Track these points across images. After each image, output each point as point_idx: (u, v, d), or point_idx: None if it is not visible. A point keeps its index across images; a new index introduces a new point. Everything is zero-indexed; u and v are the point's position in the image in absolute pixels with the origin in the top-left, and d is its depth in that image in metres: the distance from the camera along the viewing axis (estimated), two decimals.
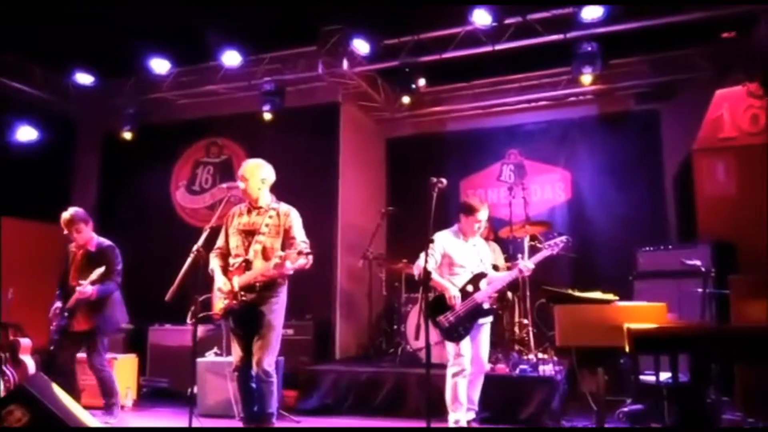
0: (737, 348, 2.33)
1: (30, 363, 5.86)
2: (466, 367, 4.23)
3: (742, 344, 2.29)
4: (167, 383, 6.39)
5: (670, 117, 6.86)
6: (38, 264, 6.88)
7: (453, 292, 4.29)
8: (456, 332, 4.24)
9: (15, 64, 6.95)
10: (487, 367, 4.51)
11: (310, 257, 3.75)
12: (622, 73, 6.82)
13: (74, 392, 4.47)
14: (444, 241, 4.46)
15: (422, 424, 4.19)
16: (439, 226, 4.48)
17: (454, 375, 4.24)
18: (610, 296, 3.00)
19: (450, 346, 4.29)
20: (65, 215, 4.84)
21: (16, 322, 6.27)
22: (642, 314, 2.63)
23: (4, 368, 5.81)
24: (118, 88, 7.49)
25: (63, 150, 8.05)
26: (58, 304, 4.80)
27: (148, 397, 6.36)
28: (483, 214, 4.43)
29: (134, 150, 7.59)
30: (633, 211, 6.96)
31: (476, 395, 4.42)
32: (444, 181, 3.87)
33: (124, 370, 6.08)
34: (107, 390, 4.69)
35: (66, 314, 4.68)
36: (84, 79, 7.19)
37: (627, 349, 2.40)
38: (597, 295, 3.04)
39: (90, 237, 4.89)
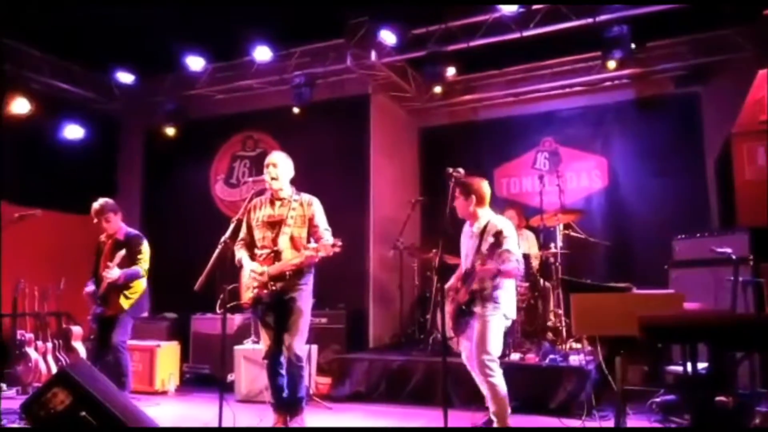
0: (755, 337, 2.26)
1: (81, 349, 6.19)
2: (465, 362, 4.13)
3: (760, 333, 2.23)
4: (209, 369, 6.62)
5: (711, 100, 6.61)
6: (88, 255, 7.27)
7: (447, 286, 4.17)
8: (453, 326, 4.11)
9: (60, 65, 7.30)
10: (485, 362, 3.92)
11: (337, 248, 3.84)
12: (659, 56, 6.62)
13: (121, 378, 4.69)
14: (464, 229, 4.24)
15: (451, 413, 4.24)
16: None
17: None
18: (624, 285, 2.96)
19: None
20: (95, 205, 5.04)
21: (68, 310, 6.65)
22: (657, 303, 2.59)
23: (58, 354, 6.16)
24: (158, 85, 7.75)
25: (108, 146, 8.41)
26: (91, 287, 5.00)
27: (192, 382, 6.60)
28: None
29: (175, 145, 7.84)
30: (673, 197, 6.77)
31: (486, 394, 4.06)
32: (461, 170, 3.84)
33: (167, 357, 6.34)
34: (120, 372, 4.76)
35: (99, 302, 4.89)
36: (125, 77, 7.47)
37: (639, 338, 2.38)
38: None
39: (119, 227, 5.07)
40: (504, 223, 4.04)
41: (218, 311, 4.06)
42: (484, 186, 4.10)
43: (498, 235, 3.90)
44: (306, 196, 4.26)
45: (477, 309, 3.99)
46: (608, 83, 7.16)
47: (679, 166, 6.82)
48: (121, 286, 4.84)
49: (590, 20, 5.58)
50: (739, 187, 5.19)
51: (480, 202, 4.06)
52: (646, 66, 6.69)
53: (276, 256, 4.09)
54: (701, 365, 3.34)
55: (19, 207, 6.93)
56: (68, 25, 6.32)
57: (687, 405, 3.86)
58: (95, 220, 5.04)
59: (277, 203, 4.22)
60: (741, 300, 4.08)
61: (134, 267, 4.91)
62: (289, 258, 4.05)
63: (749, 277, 4.24)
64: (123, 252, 4.82)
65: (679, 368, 3.68)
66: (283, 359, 4.11)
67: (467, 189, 4.04)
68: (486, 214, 4.10)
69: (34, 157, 7.27)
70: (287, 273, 4.05)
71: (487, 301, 3.96)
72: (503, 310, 4.00)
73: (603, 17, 5.58)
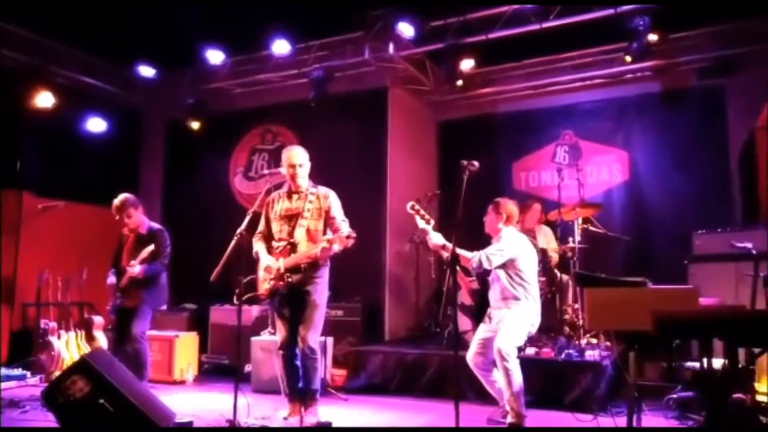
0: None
1: (103, 339, 6.30)
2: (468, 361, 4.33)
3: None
4: (227, 360, 6.69)
5: (736, 92, 6.46)
6: (109, 246, 7.41)
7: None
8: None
9: (83, 59, 7.42)
10: (503, 349, 4.05)
11: (352, 240, 3.86)
12: (682, 48, 6.50)
13: (140, 368, 4.76)
14: None
15: (465, 406, 4.24)
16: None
17: None
18: (640, 279, 2.92)
19: None
20: (116, 202, 5.05)
21: (90, 300, 6.78)
22: (672, 298, 2.55)
23: (80, 343, 6.29)
24: (179, 79, 7.83)
25: (130, 139, 8.51)
26: (113, 279, 5.04)
27: (210, 373, 6.68)
28: None
29: (196, 138, 7.91)
30: (695, 192, 6.64)
31: (497, 388, 4.26)
32: (476, 163, 3.85)
33: (185, 347, 6.42)
34: (139, 362, 4.78)
35: (119, 294, 4.95)
36: (147, 71, 7.54)
37: (653, 333, 2.35)
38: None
39: (141, 221, 5.10)
40: (514, 236, 4.36)
41: (235, 303, 4.12)
42: (515, 208, 4.49)
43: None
44: (323, 189, 4.29)
45: (502, 310, 4.24)
46: (630, 76, 7.04)
47: (702, 160, 6.69)
48: (142, 279, 4.89)
49: (611, 11, 5.49)
50: (762, 182, 5.08)
51: (508, 220, 4.41)
52: (669, 58, 6.57)
53: (292, 248, 4.13)
54: (718, 362, 3.29)
55: (42, 199, 7.11)
56: (92, 19, 6.41)
57: (703, 402, 3.80)
58: (117, 217, 5.04)
59: (294, 196, 4.26)
60: (761, 296, 4.00)
61: (156, 263, 4.95)
62: (305, 250, 4.08)
63: None
64: (151, 247, 4.84)
65: (697, 364, 3.62)
66: (297, 351, 4.14)
67: (499, 207, 4.40)
68: (508, 232, 4.40)
69: (57, 150, 7.40)
70: (302, 265, 4.08)
71: (510, 304, 4.22)
72: (527, 317, 4.20)
73: (624, 8, 5.48)
